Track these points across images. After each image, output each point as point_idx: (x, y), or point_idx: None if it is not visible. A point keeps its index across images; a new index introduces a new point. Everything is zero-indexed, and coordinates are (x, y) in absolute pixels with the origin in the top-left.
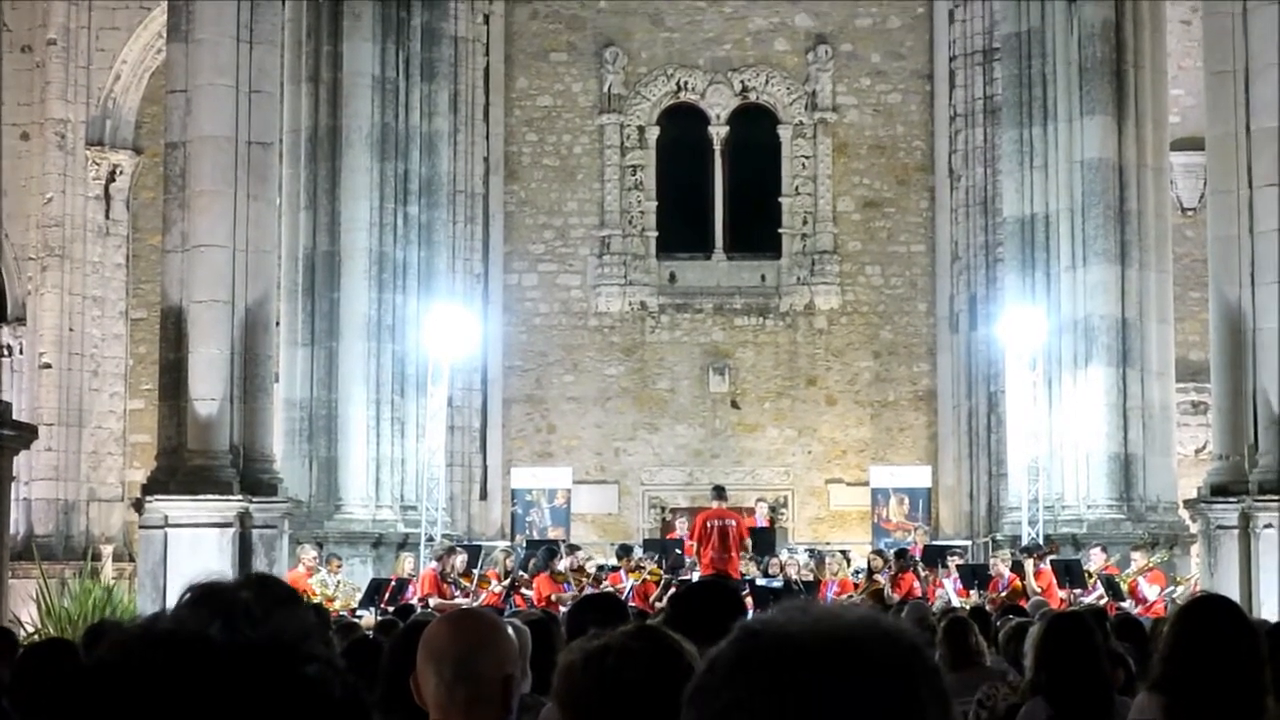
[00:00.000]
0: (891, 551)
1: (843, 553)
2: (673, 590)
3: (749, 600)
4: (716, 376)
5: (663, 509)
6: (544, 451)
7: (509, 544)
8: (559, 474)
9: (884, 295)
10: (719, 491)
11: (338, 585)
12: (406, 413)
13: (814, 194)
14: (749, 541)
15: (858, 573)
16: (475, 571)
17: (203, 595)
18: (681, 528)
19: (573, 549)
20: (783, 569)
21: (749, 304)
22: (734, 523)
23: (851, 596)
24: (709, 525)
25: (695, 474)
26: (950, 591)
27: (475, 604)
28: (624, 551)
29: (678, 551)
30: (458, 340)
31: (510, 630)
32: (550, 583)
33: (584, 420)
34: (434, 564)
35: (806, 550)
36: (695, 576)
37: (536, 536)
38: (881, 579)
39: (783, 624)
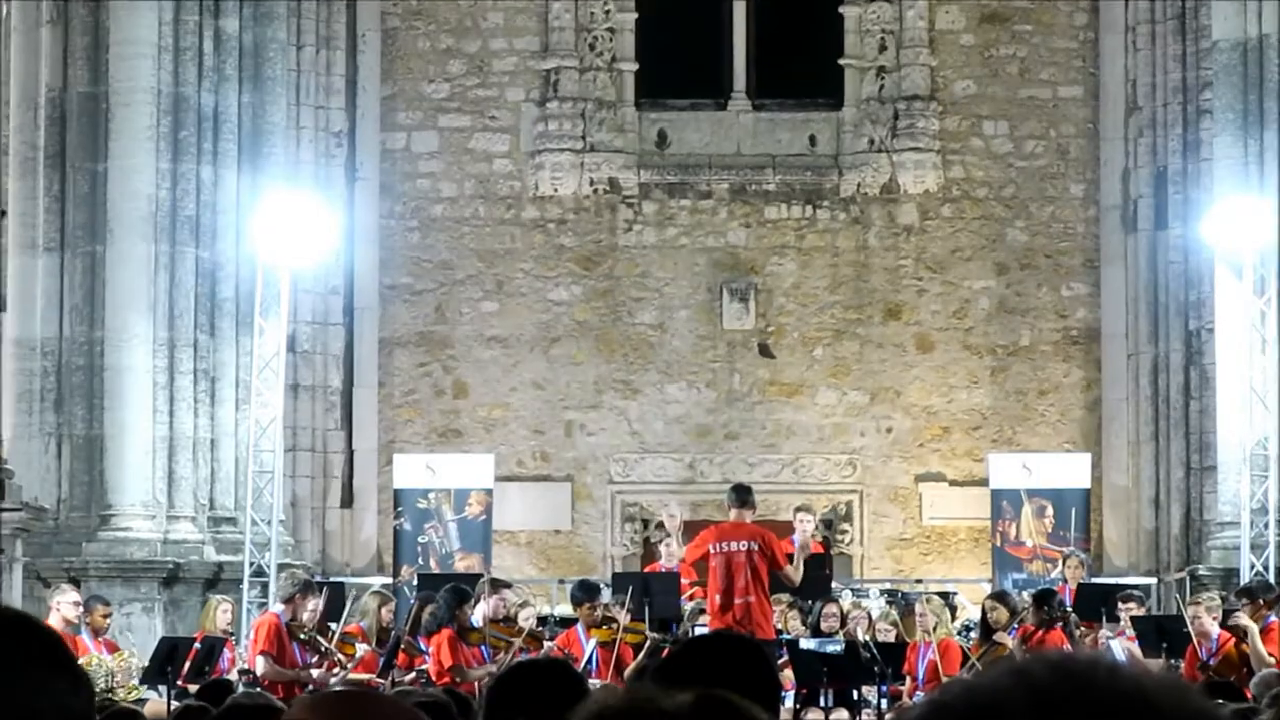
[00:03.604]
0: (1025, 595)
1: (943, 596)
2: (664, 655)
3: (788, 675)
4: (735, 304)
5: (644, 524)
6: (448, 428)
7: (388, 582)
8: (473, 466)
9: (1014, 170)
10: (741, 496)
11: (111, 658)
12: (220, 363)
13: (897, 1)
14: (792, 572)
15: (968, 630)
16: (334, 627)
17: None
18: (671, 552)
19: (496, 588)
20: (844, 622)
21: (789, 184)
22: (752, 545)
23: (972, 665)
24: (712, 550)
25: (699, 466)
26: (1121, 659)
27: (335, 679)
28: (584, 594)
29: (669, 597)
30: (305, 244)
31: None
32: (456, 645)
33: (515, 376)
34: (278, 609)
35: (884, 592)
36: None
37: (435, 569)
38: (1008, 641)
39: None
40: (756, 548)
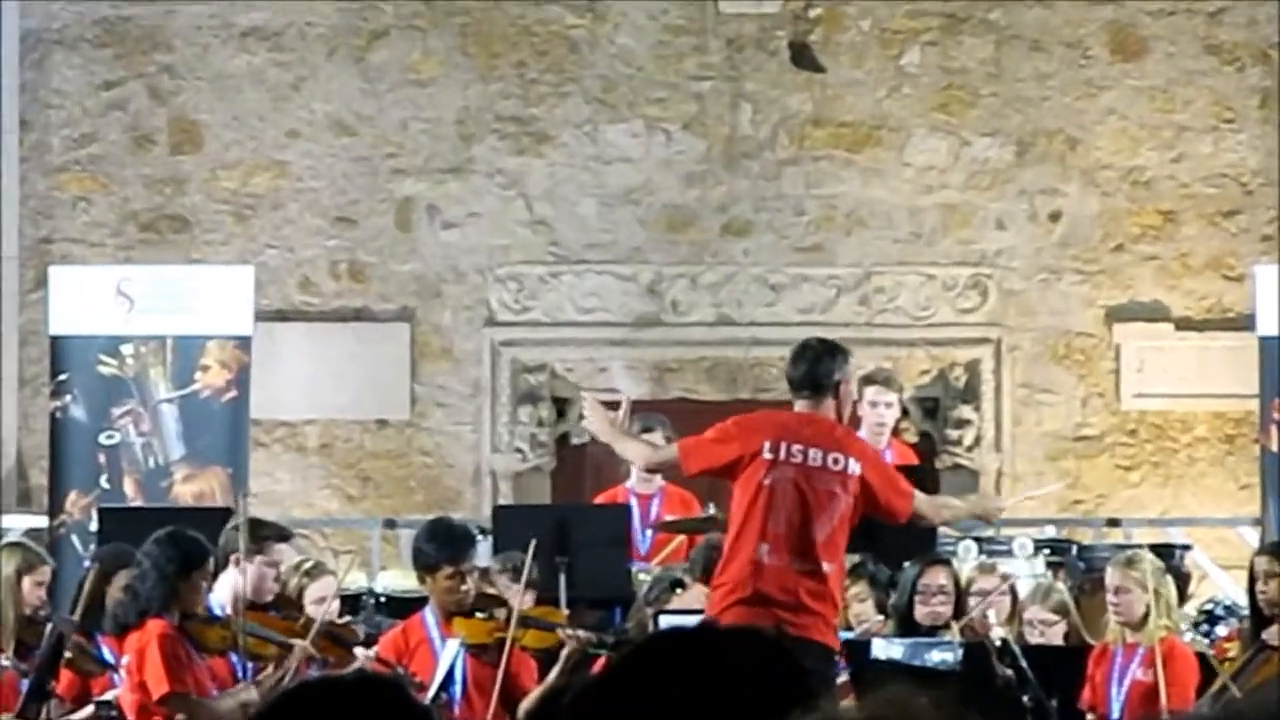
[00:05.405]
0: None
1: (1162, 552)
2: (597, 672)
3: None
4: None
5: (559, 407)
6: (161, 215)
7: (38, 527)
8: (213, 290)
9: None
10: (820, 368)
11: None
12: None
13: None
14: (929, 509)
15: (1212, 620)
16: None
17: None
18: (645, 467)
19: (262, 539)
20: (962, 606)
21: None
22: (849, 464)
23: (1223, 689)
24: (769, 455)
25: (670, 291)
26: None
27: None
28: (439, 549)
29: (608, 554)
30: None
31: None
32: (177, 652)
33: (297, 107)
34: None
35: (1041, 545)
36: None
37: (135, 498)
38: None
39: None
40: (858, 470)
